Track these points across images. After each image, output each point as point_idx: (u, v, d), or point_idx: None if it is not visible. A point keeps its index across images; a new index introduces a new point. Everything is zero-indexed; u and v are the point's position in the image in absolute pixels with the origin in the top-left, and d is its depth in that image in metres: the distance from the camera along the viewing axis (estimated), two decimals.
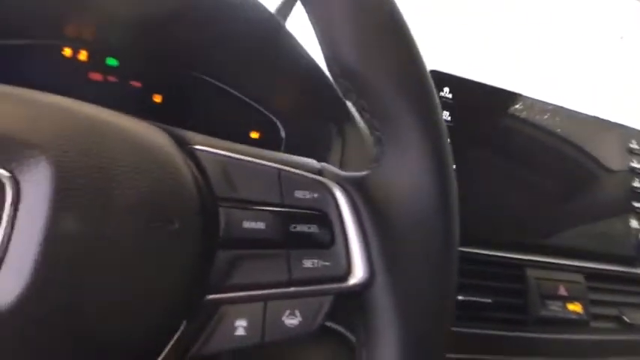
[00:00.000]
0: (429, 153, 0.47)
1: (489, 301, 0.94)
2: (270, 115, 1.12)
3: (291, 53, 0.95)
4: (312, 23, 0.48)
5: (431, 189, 0.46)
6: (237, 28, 0.95)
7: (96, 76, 1.06)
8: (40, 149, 0.32)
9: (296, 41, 0.93)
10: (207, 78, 1.10)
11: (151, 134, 0.41)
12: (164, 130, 0.44)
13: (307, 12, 0.48)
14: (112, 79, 1.07)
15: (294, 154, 1.11)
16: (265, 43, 0.96)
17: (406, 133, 0.46)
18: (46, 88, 1.03)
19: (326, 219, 0.45)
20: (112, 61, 1.07)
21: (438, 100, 0.49)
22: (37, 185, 0.31)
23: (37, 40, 1.02)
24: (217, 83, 1.10)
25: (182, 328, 0.39)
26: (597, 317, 1.08)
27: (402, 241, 0.45)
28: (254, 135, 1.12)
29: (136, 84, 1.08)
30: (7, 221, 0.31)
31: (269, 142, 1.13)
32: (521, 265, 1.02)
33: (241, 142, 1.10)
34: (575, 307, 1.03)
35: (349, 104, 0.95)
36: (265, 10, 0.91)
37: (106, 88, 1.06)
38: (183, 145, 0.43)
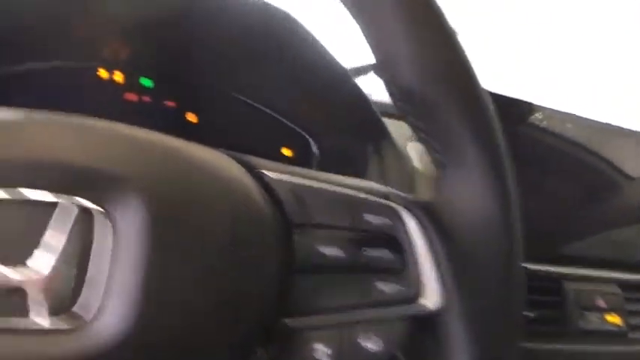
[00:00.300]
0: (494, 175, 0.47)
1: (532, 315, 0.94)
2: (302, 132, 1.13)
3: (324, 69, 0.96)
4: (368, 43, 0.49)
5: (496, 210, 0.47)
6: (269, 45, 0.97)
7: (131, 97, 1.07)
8: (130, 183, 0.33)
9: (330, 56, 0.93)
10: (240, 96, 1.11)
11: (225, 163, 0.41)
12: (231, 156, 0.45)
13: (363, 31, 0.49)
14: (146, 99, 1.08)
15: (328, 171, 1.13)
16: (297, 59, 0.97)
17: (470, 155, 0.47)
18: (82, 109, 1.05)
19: (396, 243, 0.45)
20: (146, 82, 1.08)
21: (497, 120, 0.50)
22: (133, 219, 0.32)
23: (72, 62, 1.04)
24: (249, 101, 1.11)
25: (258, 353, 0.40)
26: (635, 328, 1.07)
27: (471, 262, 0.45)
28: (286, 152, 1.13)
29: (171, 104, 1.09)
30: (111, 256, 0.31)
31: (301, 159, 1.14)
32: (558, 277, 1.02)
33: (274, 159, 1.13)
34: (613, 319, 1.03)
35: (385, 120, 0.96)
36: (298, 25, 0.92)
37: (141, 108, 1.07)
38: (252, 170, 0.44)
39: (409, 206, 0.47)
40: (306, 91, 1.03)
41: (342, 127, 1.04)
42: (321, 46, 0.93)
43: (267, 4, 0.91)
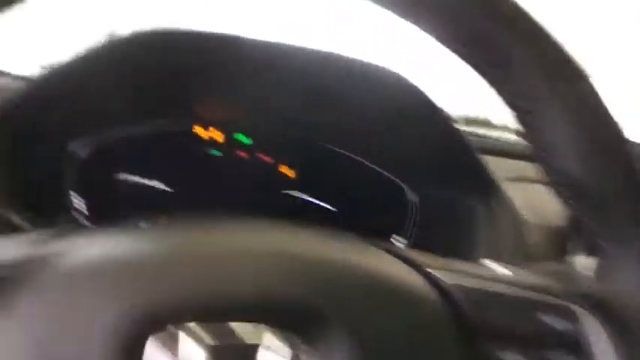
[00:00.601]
0: None
1: None
2: (403, 185, 1.11)
3: (425, 117, 0.93)
4: (529, 131, 0.46)
5: None
6: (367, 96, 0.95)
7: (228, 154, 1.08)
8: (334, 317, 0.31)
9: (433, 104, 0.90)
10: (340, 149, 1.10)
11: (412, 278, 0.40)
12: (396, 254, 0.43)
13: (518, 119, 0.46)
14: (243, 154, 1.09)
15: (430, 228, 1.13)
16: (398, 109, 0.95)
17: None
18: (181, 169, 1.08)
19: (577, 345, 0.42)
20: (243, 138, 1.09)
21: None
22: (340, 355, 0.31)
23: (170, 122, 1.07)
24: (349, 154, 1.10)
25: None
26: None
27: None
28: (386, 205, 1.11)
29: (267, 159, 1.09)
30: None
31: (400, 213, 1.11)
32: None
33: (374, 214, 1.12)
34: None
35: (497, 181, 0.91)
36: (398, 76, 0.90)
37: (238, 165, 1.08)
38: (419, 269, 0.42)
39: (588, 305, 0.43)
40: (409, 143, 1.00)
41: (444, 178, 1.00)
42: (423, 94, 0.90)
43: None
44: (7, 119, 0.78)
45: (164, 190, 1.06)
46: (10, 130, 0.81)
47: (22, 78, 1.07)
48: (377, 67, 0.88)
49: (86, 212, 1.02)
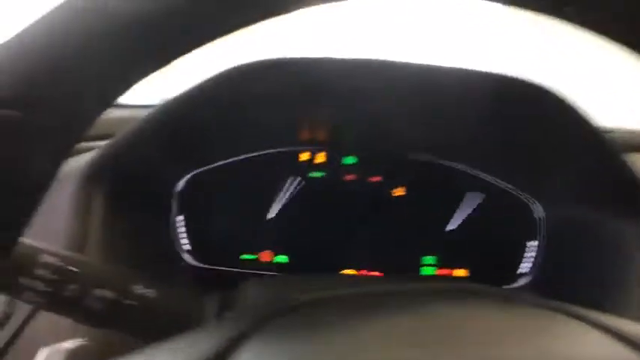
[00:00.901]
0: None
1: None
2: (528, 201, 1.00)
3: (573, 127, 0.81)
4: None
5: None
6: (487, 108, 0.85)
7: (335, 176, 1.02)
8: None
9: (579, 113, 0.78)
10: (451, 164, 1.01)
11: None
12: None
13: None
14: (350, 177, 1.02)
15: (564, 251, 1.02)
16: (538, 120, 0.84)
17: None
18: (289, 196, 1.02)
19: None
20: (350, 160, 1.02)
21: None
22: None
23: (274, 149, 1.02)
24: (463, 168, 1.01)
25: None
26: None
27: None
28: (506, 218, 1.01)
29: (376, 179, 1.02)
30: None
31: (523, 226, 1.01)
32: None
33: (493, 233, 1.02)
34: None
35: None
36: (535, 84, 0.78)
37: (346, 187, 1.02)
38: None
39: None
40: (540, 156, 0.90)
41: (587, 195, 0.89)
42: (565, 101, 0.77)
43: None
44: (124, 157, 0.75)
45: (268, 220, 1.02)
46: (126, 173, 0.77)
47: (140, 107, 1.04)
48: (506, 76, 0.77)
49: (190, 248, 0.99)
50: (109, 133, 0.74)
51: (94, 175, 0.75)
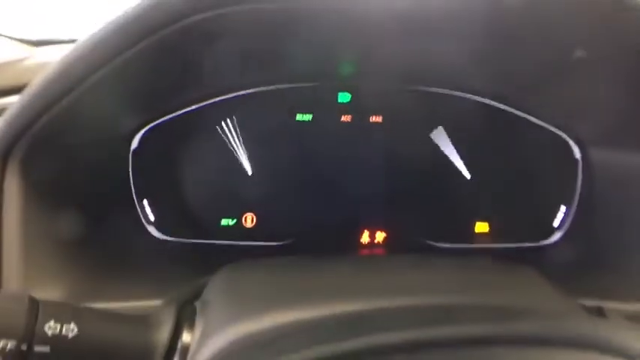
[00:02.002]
0: None
1: None
2: (568, 139, 0.82)
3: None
4: None
5: None
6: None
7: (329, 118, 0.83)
8: None
9: None
10: (495, 103, 0.82)
11: None
12: None
13: None
14: (347, 118, 0.83)
15: (606, 195, 0.86)
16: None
17: None
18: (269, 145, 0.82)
19: None
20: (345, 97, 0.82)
21: None
22: None
23: (251, 89, 0.81)
24: (506, 108, 0.82)
25: None
26: None
27: None
28: (541, 160, 0.84)
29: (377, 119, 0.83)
30: None
31: (559, 170, 0.84)
32: None
33: (528, 175, 0.85)
34: None
35: None
36: None
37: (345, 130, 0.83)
38: None
39: None
40: (581, 96, 0.72)
41: (621, 138, 0.72)
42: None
43: None
44: None
45: (250, 176, 0.83)
46: None
47: None
48: None
49: (154, 219, 0.80)
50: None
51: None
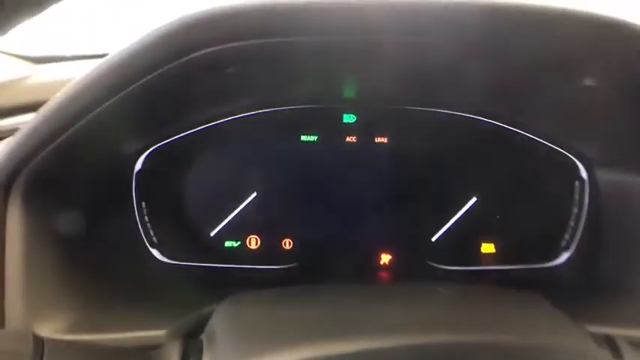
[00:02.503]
0: None
1: None
2: (575, 160, 0.81)
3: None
4: None
5: None
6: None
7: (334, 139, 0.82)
8: None
9: None
10: (501, 124, 0.81)
11: None
12: None
13: None
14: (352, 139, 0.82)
15: (599, 205, 0.83)
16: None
17: None
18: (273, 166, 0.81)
19: None
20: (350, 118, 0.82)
21: None
22: None
23: (256, 111, 0.80)
24: (513, 129, 0.81)
25: None
26: None
27: None
28: (547, 181, 0.84)
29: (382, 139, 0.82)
30: None
31: (565, 190, 0.83)
32: None
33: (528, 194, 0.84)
34: None
35: None
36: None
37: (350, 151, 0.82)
38: None
39: None
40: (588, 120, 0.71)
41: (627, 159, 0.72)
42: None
43: None
44: None
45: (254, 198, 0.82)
46: None
47: None
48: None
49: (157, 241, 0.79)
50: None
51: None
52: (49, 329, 0.55)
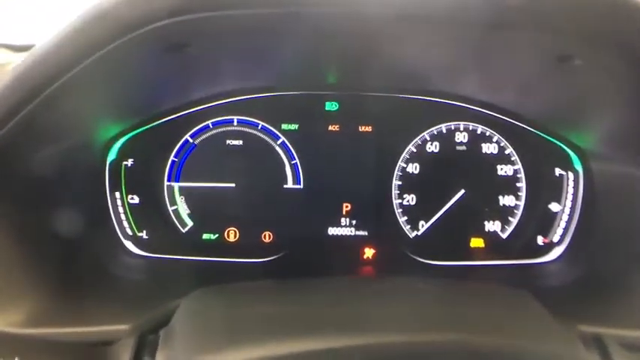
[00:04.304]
0: None
1: None
2: (570, 152, 0.78)
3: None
4: None
5: None
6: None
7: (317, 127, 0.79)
8: None
9: None
10: (491, 112, 0.78)
11: None
12: None
13: None
14: (335, 127, 0.79)
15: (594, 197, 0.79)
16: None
17: None
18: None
19: None
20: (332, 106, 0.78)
21: None
22: None
23: (234, 98, 0.77)
24: (504, 118, 0.78)
25: None
26: None
27: None
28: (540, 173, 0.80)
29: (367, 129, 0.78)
30: None
31: (563, 177, 0.80)
32: None
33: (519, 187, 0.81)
34: None
35: None
36: None
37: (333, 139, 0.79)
38: None
39: None
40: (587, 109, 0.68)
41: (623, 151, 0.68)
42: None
43: None
44: None
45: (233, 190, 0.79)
46: None
47: None
48: None
49: (131, 233, 0.77)
50: None
51: None
52: (3, 322, 0.52)
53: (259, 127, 0.79)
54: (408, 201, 0.81)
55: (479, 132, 0.80)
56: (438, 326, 0.48)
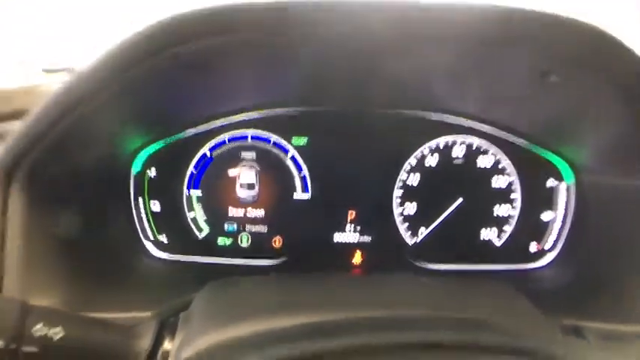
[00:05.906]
0: None
1: None
2: (562, 164, 0.84)
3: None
4: None
5: None
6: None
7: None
8: None
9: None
10: (484, 126, 0.84)
11: None
12: None
13: None
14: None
15: (585, 207, 0.83)
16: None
17: None
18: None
19: None
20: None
21: None
22: None
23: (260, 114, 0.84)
24: (497, 132, 0.84)
25: None
26: None
27: None
28: (532, 184, 0.86)
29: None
30: None
31: (550, 194, 0.85)
32: None
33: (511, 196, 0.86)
34: None
35: None
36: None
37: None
38: None
39: None
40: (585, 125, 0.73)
41: (618, 161, 0.74)
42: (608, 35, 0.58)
43: None
44: None
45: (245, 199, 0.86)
46: None
47: None
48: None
49: (153, 238, 0.84)
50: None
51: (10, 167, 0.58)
52: (43, 303, 0.59)
53: (271, 143, 0.86)
54: (408, 209, 0.87)
55: (475, 146, 0.85)
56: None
